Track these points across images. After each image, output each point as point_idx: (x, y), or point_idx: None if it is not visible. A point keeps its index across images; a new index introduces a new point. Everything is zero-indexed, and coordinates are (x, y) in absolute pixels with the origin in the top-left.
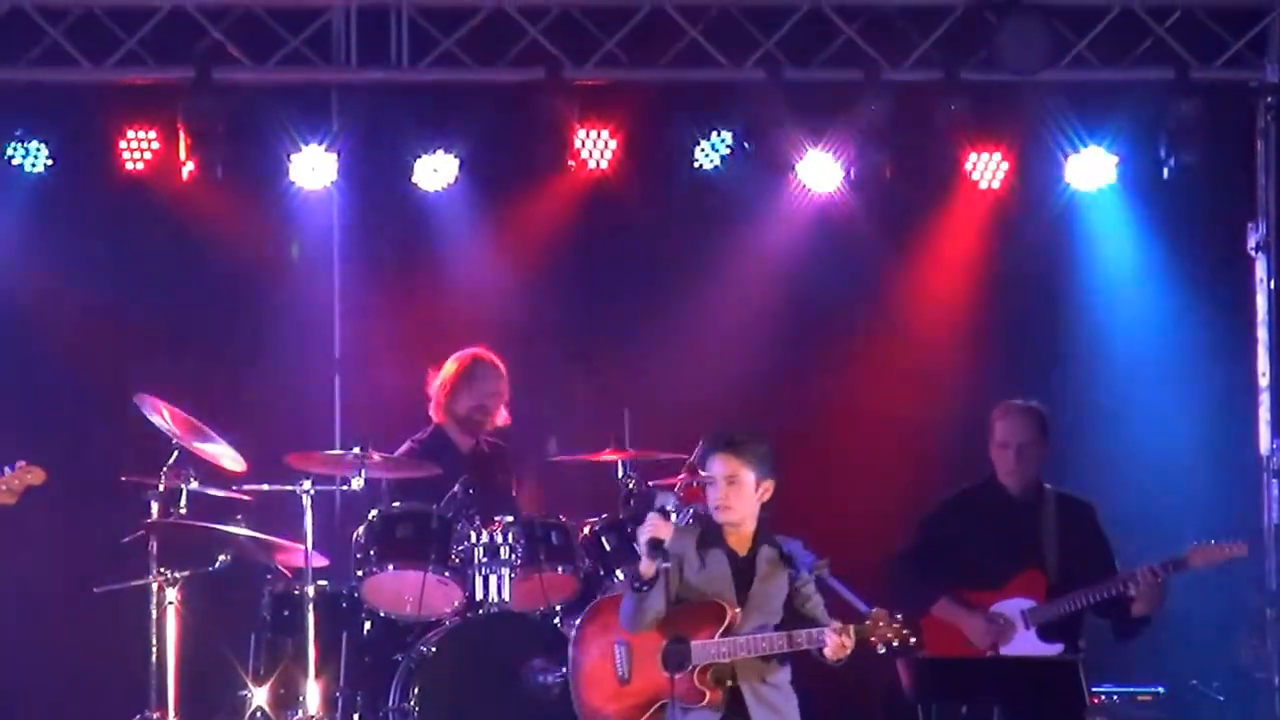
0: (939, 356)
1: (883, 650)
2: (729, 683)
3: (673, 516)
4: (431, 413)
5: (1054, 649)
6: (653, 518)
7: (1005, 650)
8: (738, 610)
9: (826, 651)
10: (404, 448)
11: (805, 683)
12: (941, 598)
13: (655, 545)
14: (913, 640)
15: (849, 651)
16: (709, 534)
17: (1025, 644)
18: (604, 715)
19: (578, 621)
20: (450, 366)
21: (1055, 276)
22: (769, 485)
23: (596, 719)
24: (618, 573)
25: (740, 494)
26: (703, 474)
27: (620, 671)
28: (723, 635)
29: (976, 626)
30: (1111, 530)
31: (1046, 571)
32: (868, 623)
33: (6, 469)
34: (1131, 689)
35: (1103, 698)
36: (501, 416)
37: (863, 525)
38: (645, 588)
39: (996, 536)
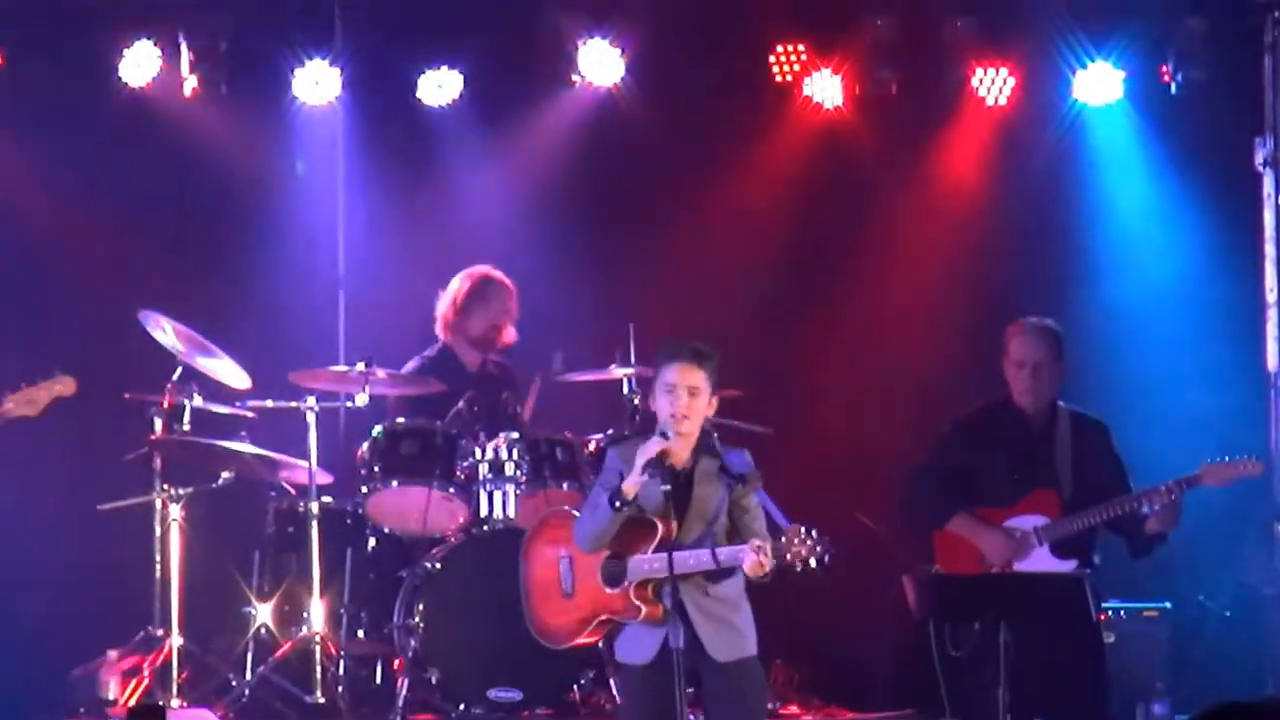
0: (946, 272)
1: (799, 569)
2: (673, 596)
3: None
4: (439, 330)
5: (1067, 565)
6: (656, 439)
7: (1019, 566)
8: (673, 524)
9: (745, 569)
10: (411, 364)
11: (816, 605)
12: (957, 513)
13: (651, 466)
14: (828, 557)
15: (767, 570)
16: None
17: (1039, 560)
18: (551, 628)
19: (525, 535)
20: (461, 285)
21: (1062, 192)
22: (715, 399)
23: (546, 632)
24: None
25: (697, 406)
26: (661, 382)
27: (564, 586)
28: (657, 550)
29: (992, 542)
30: (1121, 448)
31: (1060, 490)
32: (783, 540)
33: (40, 380)
34: (1138, 605)
35: (1110, 614)
36: (510, 334)
37: (870, 444)
38: (625, 506)
39: (1010, 455)
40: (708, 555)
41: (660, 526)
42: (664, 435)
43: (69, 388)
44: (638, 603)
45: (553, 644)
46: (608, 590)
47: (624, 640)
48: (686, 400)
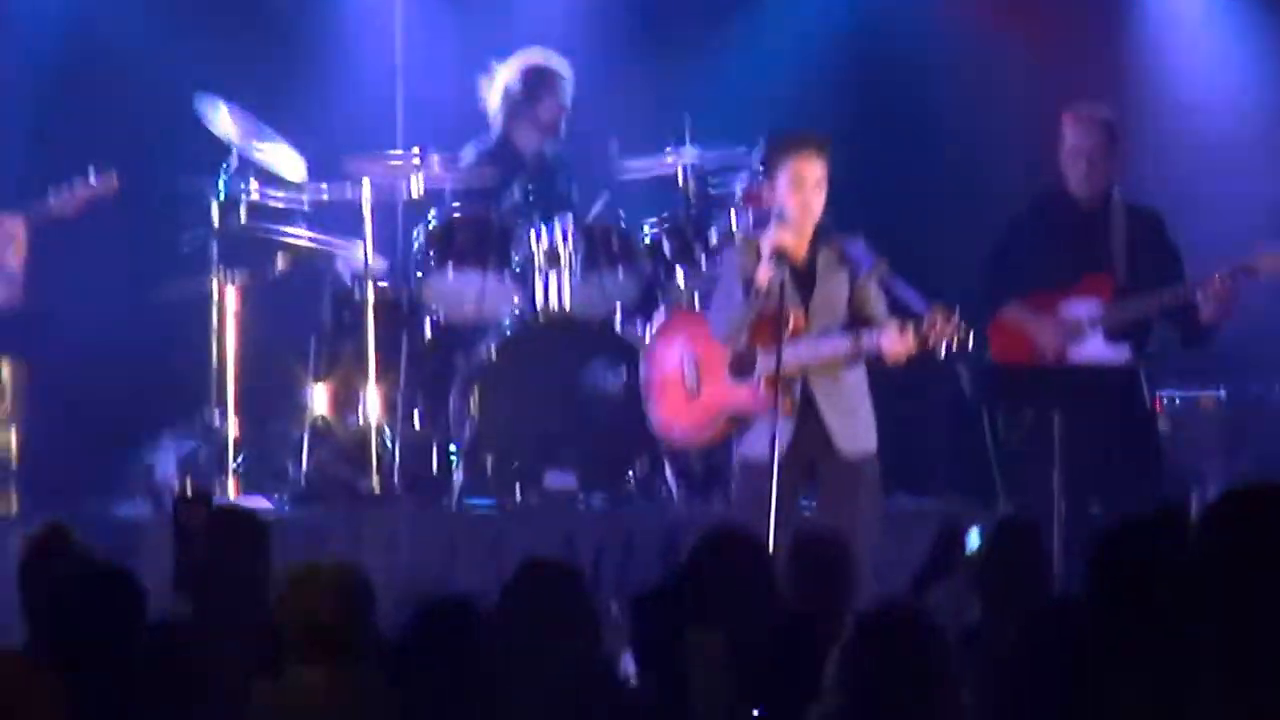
0: (1003, 63)
1: (942, 352)
2: (800, 387)
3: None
4: (496, 116)
5: (1121, 352)
6: (776, 225)
7: (1073, 353)
8: (802, 316)
9: (885, 352)
10: (467, 151)
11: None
12: (1011, 301)
13: (780, 254)
14: (971, 339)
15: (909, 352)
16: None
17: (1093, 348)
18: (675, 426)
19: (649, 335)
20: (522, 73)
21: None
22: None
23: (671, 431)
24: (678, 274)
25: (821, 198)
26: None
27: (689, 384)
28: (788, 342)
29: (1045, 330)
30: (1178, 239)
31: (1115, 277)
32: (925, 320)
33: (91, 176)
34: (1193, 393)
35: (1164, 402)
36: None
37: (928, 233)
38: (759, 295)
39: (1065, 241)
40: (846, 340)
41: (792, 316)
42: (781, 218)
43: (110, 186)
44: (769, 396)
45: (678, 443)
46: (736, 386)
47: (752, 435)
48: (816, 194)
